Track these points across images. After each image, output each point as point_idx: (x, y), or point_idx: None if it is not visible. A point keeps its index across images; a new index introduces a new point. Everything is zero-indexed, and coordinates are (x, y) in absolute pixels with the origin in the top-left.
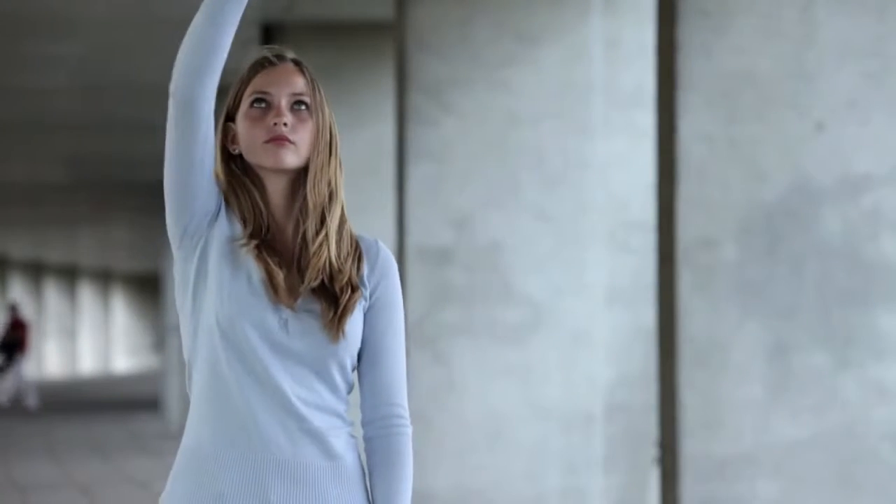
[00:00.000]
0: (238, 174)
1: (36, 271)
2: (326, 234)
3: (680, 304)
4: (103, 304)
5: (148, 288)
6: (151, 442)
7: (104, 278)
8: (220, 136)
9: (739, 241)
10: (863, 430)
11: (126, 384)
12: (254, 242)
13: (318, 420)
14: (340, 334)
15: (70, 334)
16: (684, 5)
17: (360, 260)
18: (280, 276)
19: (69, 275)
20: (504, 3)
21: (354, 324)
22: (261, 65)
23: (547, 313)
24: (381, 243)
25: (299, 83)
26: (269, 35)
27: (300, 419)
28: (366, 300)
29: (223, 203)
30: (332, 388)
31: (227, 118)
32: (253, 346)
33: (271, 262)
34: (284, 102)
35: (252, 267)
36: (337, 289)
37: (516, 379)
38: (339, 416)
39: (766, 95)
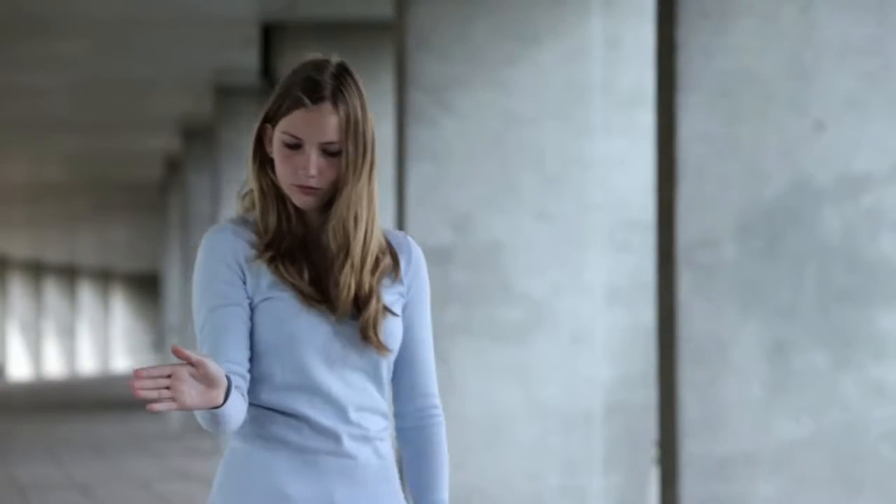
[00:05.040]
0: (273, 182)
1: (36, 271)
2: (352, 265)
3: (679, 304)
4: (103, 303)
5: (148, 288)
6: (151, 442)
7: (104, 278)
8: (255, 138)
9: (739, 241)
10: (862, 430)
11: (126, 384)
12: (269, 254)
13: (371, 423)
14: (382, 347)
15: (70, 334)
16: (684, 5)
17: (394, 258)
18: (304, 284)
19: (69, 274)
20: (504, 3)
21: (394, 327)
22: (299, 101)
23: (547, 313)
24: (410, 238)
25: (331, 127)
26: (269, 35)
27: (357, 426)
28: (402, 296)
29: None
30: (379, 386)
31: (265, 119)
32: (307, 360)
33: (289, 275)
34: (314, 152)
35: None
36: (364, 309)
37: (516, 378)
38: (384, 415)
39: (766, 95)
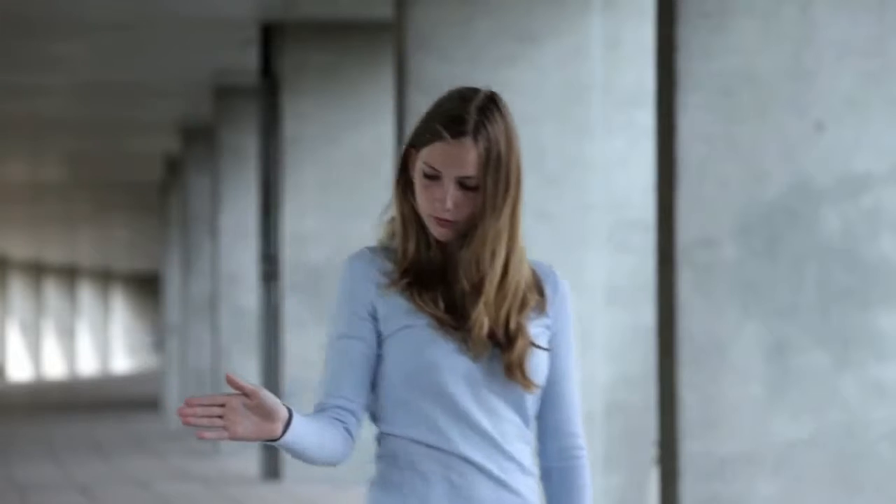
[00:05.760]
0: (414, 208)
1: (36, 271)
2: (485, 303)
3: (679, 304)
4: (103, 304)
5: (148, 288)
6: (151, 442)
7: (104, 278)
8: (400, 161)
9: (739, 241)
10: (862, 430)
11: (125, 384)
12: (404, 282)
13: (522, 455)
14: (529, 384)
15: (70, 334)
16: (684, 5)
17: (540, 291)
18: (439, 312)
19: (69, 274)
20: (504, 3)
21: (541, 362)
22: (439, 134)
23: None
24: (555, 270)
25: (470, 163)
26: (269, 35)
27: (509, 458)
28: (548, 329)
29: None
30: (525, 417)
31: (410, 143)
32: (450, 388)
33: (424, 302)
34: (452, 185)
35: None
36: (509, 348)
37: None
38: (529, 443)
39: (766, 95)
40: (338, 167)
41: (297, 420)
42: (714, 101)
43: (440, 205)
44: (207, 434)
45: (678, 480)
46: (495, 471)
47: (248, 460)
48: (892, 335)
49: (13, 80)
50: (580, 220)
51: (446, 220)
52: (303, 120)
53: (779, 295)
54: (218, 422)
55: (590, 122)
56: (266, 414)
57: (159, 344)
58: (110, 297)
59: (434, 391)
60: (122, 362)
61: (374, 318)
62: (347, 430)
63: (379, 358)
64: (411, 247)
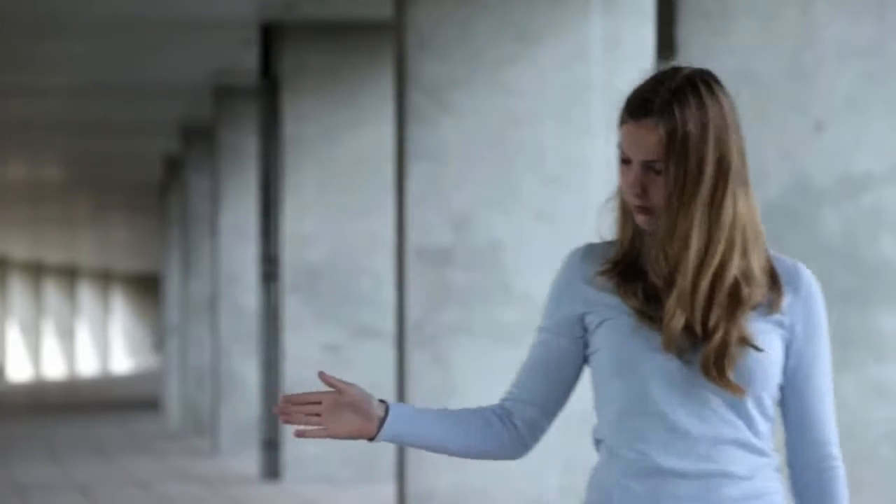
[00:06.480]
0: None
1: (36, 271)
2: (678, 297)
3: None
4: (103, 304)
5: (148, 288)
6: (151, 442)
7: (104, 278)
8: (619, 145)
9: None
10: (862, 430)
11: (125, 384)
12: (613, 272)
13: (732, 460)
14: (731, 386)
15: (70, 334)
16: (684, 5)
17: (776, 288)
18: (638, 303)
19: (69, 275)
20: (504, 3)
21: (753, 364)
22: (622, 117)
23: None
24: (801, 267)
25: (651, 145)
26: (269, 35)
27: (711, 461)
28: (781, 328)
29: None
30: (746, 418)
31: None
32: (650, 384)
33: (625, 293)
34: (637, 169)
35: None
36: (706, 343)
37: None
38: (757, 451)
39: (766, 95)
40: (338, 167)
41: (400, 417)
42: None
43: (630, 190)
44: (306, 433)
45: None
46: (695, 483)
47: (248, 460)
48: (892, 335)
49: (13, 80)
50: (580, 221)
51: (643, 207)
52: (303, 120)
53: None
54: (314, 419)
55: (590, 122)
56: (363, 412)
57: (159, 344)
58: (110, 297)
59: (632, 386)
60: (122, 362)
61: (581, 314)
62: (512, 423)
63: (586, 358)
64: (626, 236)
